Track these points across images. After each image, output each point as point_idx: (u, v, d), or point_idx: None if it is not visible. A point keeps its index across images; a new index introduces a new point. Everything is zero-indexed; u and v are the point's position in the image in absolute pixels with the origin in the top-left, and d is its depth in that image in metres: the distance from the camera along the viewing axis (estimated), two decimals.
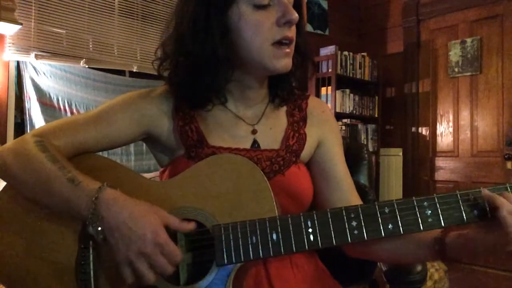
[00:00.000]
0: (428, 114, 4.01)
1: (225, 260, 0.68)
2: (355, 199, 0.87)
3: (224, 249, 0.68)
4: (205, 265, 0.70)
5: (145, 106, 0.85)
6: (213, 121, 0.85)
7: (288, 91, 0.91)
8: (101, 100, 3.00)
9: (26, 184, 0.73)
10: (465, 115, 3.78)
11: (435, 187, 3.95)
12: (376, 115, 4.18)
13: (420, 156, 4.05)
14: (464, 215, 0.68)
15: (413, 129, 4.08)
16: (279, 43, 0.78)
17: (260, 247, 0.68)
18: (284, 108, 0.92)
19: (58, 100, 2.83)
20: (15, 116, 2.68)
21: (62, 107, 2.84)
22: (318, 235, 0.68)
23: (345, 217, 0.69)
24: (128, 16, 3.11)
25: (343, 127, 3.86)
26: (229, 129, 0.85)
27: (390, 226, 0.69)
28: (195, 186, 0.74)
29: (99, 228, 0.66)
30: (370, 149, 4.09)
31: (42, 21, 2.72)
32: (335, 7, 4.18)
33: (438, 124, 3.95)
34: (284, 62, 0.80)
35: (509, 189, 0.69)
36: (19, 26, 2.52)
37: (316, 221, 0.69)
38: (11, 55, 2.60)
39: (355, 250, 0.87)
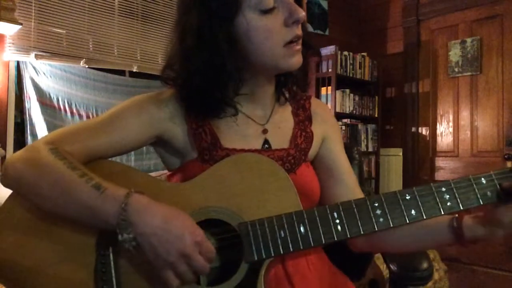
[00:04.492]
0: (428, 114, 4.01)
1: (255, 256, 0.69)
2: (359, 194, 0.89)
3: (254, 245, 0.69)
4: (229, 264, 0.70)
5: (155, 110, 0.84)
6: (224, 122, 0.85)
7: (294, 87, 0.92)
8: (101, 100, 3.00)
9: (42, 194, 0.70)
10: (465, 115, 3.78)
11: None
12: (376, 115, 4.18)
13: (420, 156, 4.05)
14: (479, 197, 0.71)
15: (413, 129, 4.07)
16: (290, 42, 0.78)
17: (289, 241, 0.69)
18: (290, 108, 0.93)
19: (58, 100, 2.83)
20: (15, 116, 2.68)
21: (62, 107, 2.84)
22: (346, 225, 0.71)
23: (369, 206, 0.72)
24: (128, 16, 3.11)
25: (343, 127, 3.86)
26: (240, 129, 0.85)
27: (413, 212, 0.71)
28: (216, 186, 0.74)
29: (131, 235, 0.64)
30: (370, 149, 4.09)
31: (42, 21, 2.72)
32: (335, 7, 4.18)
33: (438, 124, 3.95)
34: (296, 59, 0.80)
35: None
36: (19, 26, 2.52)
37: (342, 212, 0.71)
38: (11, 55, 2.60)
39: (364, 242, 0.87)
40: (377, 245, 0.87)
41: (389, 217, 0.71)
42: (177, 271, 0.65)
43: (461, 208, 0.72)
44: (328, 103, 3.71)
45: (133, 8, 3.13)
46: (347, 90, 3.91)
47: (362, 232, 0.71)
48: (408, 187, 0.71)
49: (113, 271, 0.69)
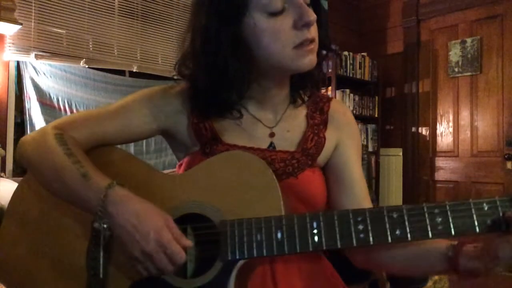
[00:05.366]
0: (428, 114, 4.01)
1: (229, 256, 0.69)
2: (367, 205, 0.85)
3: (229, 245, 0.69)
4: (211, 260, 0.71)
5: (162, 103, 0.86)
6: (229, 122, 0.84)
7: (310, 89, 0.90)
8: (101, 100, 3.00)
9: (43, 175, 0.77)
10: (465, 115, 3.78)
11: (435, 187, 3.96)
12: (376, 115, 4.18)
13: (420, 156, 4.06)
14: (476, 225, 0.64)
15: (413, 129, 4.08)
16: (301, 44, 0.75)
17: (264, 245, 0.68)
18: (305, 111, 0.90)
19: (58, 100, 2.83)
20: (15, 116, 2.68)
21: (62, 107, 2.84)
22: (323, 236, 0.67)
23: (351, 220, 0.67)
24: (128, 16, 3.11)
25: None
26: (246, 129, 0.84)
27: (397, 232, 0.66)
28: (205, 181, 0.74)
29: (105, 225, 0.69)
30: (370, 149, 4.09)
31: (42, 21, 2.72)
32: (335, 7, 4.18)
33: (438, 124, 3.95)
34: (308, 59, 0.76)
35: None
36: (19, 26, 2.52)
37: (321, 222, 0.68)
38: (11, 55, 2.60)
39: (362, 259, 0.85)
40: (374, 263, 0.83)
41: (370, 234, 0.66)
42: (142, 266, 0.68)
43: (453, 234, 0.65)
44: None
45: (133, 8, 3.13)
46: (347, 90, 3.91)
47: (339, 246, 0.67)
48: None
49: (101, 252, 0.73)
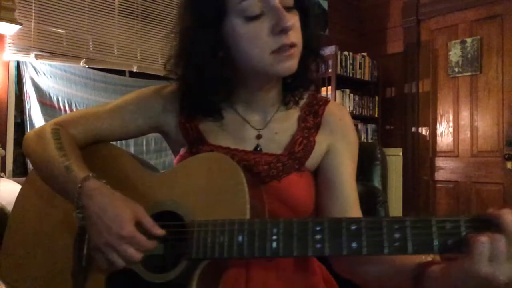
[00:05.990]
0: (428, 114, 4.01)
1: (193, 255, 0.70)
2: (355, 214, 0.83)
3: (194, 245, 0.70)
4: (177, 258, 0.72)
5: (154, 102, 0.89)
6: (216, 123, 0.85)
7: (303, 91, 0.89)
8: (101, 100, 3.00)
9: (39, 167, 0.82)
10: (465, 115, 3.78)
11: (435, 187, 3.96)
12: (376, 115, 4.18)
13: (420, 156, 4.06)
14: (435, 244, 0.60)
15: (413, 129, 4.08)
16: (278, 49, 0.74)
17: (225, 247, 0.68)
18: (297, 113, 0.88)
19: (58, 100, 2.83)
20: (15, 116, 2.68)
21: (62, 107, 2.84)
22: (280, 243, 0.66)
23: (309, 229, 0.66)
24: (128, 16, 3.11)
25: None
26: (233, 131, 0.84)
27: (353, 245, 0.63)
28: (182, 180, 0.77)
29: (80, 215, 0.71)
30: None
31: (42, 21, 2.72)
32: (335, 7, 4.18)
33: (438, 124, 3.95)
34: (287, 65, 0.75)
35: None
36: (19, 26, 2.52)
37: (280, 230, 0.67)
38: (11, 55, 2.60)
39: (342, 269, 0.83)
40: (352, 275, 0.81)
41: (326, 245, 0.64)
42: (106, 257, 0.69)
43: (409, 252, 0.61)
44: None
45: (133, 8, 3.13)
46: (347, 90, 3.91)
47: (294, 254, 0.66)
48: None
49: (85, 244, 0.76)
